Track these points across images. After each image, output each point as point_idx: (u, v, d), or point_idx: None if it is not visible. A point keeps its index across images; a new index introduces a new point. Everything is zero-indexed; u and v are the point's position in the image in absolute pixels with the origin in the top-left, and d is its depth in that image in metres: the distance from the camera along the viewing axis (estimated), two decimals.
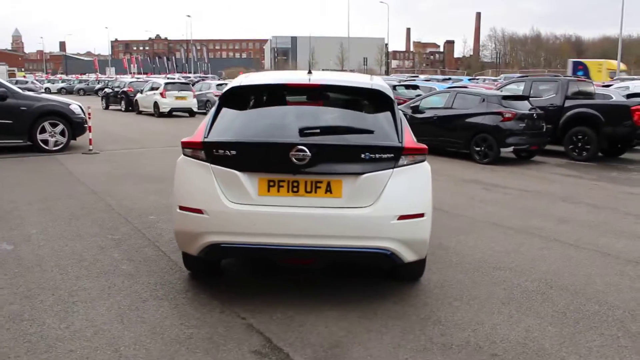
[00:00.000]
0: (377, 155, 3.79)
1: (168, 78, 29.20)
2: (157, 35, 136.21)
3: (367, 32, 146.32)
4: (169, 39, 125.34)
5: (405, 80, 22.46)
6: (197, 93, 22.39)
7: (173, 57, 78.69)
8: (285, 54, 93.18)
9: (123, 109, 24.67)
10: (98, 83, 44.63)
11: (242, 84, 4.23)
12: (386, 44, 77.54)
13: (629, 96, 13.24)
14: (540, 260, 5.09)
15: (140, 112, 22.94)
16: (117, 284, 4.31)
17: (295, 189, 3.79)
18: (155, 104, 21.35)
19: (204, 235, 3.83)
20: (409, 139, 3.95)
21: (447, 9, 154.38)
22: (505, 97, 11.40)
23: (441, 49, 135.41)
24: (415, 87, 17.83)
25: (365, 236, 3.77)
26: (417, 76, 40.86)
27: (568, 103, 11.90)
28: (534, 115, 11.18)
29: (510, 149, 11.26)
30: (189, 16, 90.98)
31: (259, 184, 3.79)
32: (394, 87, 14.53)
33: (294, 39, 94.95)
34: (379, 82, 4.32)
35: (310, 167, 3.72)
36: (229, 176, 3.80)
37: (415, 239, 3.88)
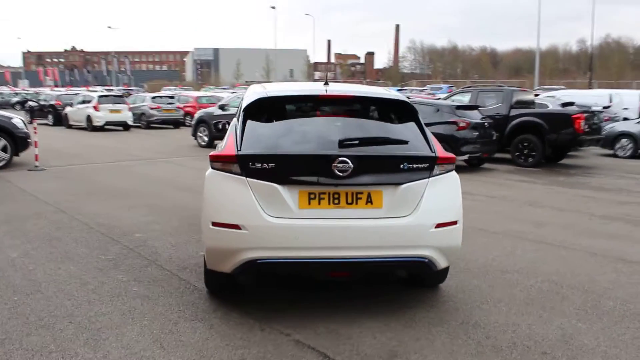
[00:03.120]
0: (415, 165, 3.84)
1: (107, 90, 27.88)
2: (73, 47, 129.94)
3: (291, 44, 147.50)
4: (85, 50, 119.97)
5: None
6: (132, 106, 21.58)
7: (93, 70, 75.24)
8: (208, 66, 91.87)
9: (51, 123, 23.28)
10: (15, 96, 41.76)
11: (268, 95, 4.14)
12: (309, 56, 78.70)
13: (564, 105, 14.17)
14: (540, 262, 5.33)
15: (70, 126, 21.74)
16: (136, 307, 4.07)
17: (336, 201, 3.75)
18: (88, 118, 20.33)
19: (242, 251, 3.70)
20: (440, 149, 4.03)
21: (365, 21, 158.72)
22: (458, 107, 11.87)
23: (361, 60, 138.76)
24: None
25: (406, 245, 3.80)
26: None
27: (513, 112, 12.58)
28: (485, 124, 11.72)
29: (465, 157, 11.72)
30: (109, 27, 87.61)
31: (299, 196, 3.72)
32: None
33: (216, 51, 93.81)
34: (397, 94, 4.39)
35: (351, 178, 3.71)
36: (268, 190, 3.70)
37: (450, 246, 3.95)
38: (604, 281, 4.80)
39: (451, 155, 4.05)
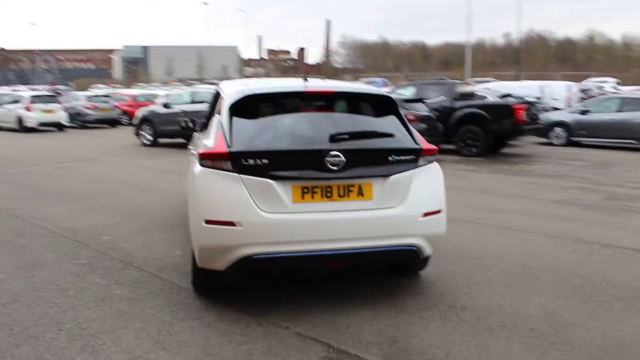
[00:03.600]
0: (402, 157, 3.97)
1: (39, 90, 26.38)
2: None
3: (223, 40, 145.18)
4: (5, 49, 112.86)
5: None
6: (66, 105, 20.61)
7: (17, 68, 70.76)
8: (137, 64, 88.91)
9: None
10: None
11: (255, 92, 4.14)
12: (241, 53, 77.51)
13: (503, 96, 14.85)
14: (507, 246, 5.62)
15: None
16: (124, 310, 3.97)
17: (329, 194, 3.82)
18: (19, 119, 19.25)
19: (238, 248, 3.70)
20: (422, 141, 4.18)
21: (294, 16, 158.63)
22: (406, 100, 12.19)
23: (293, 56, 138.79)
24: None
25: (396, 235, 3.92)
26: None
27: (457, 104, 13.06)
28: (432, 116, 12.11)
29: None
30: (31, 24, 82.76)
31: (293, 191, 3.76)
32: None
33: (145, 48, 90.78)
34: (377, 89, 4.51)
35: (343, 171, 3.78)
36: (262, 186, 3.71)
37: (436, 233, 4.11)
38: (568, 261, 5.13)
39: (434, 147, 4.20)
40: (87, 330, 3.63)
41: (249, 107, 4.10)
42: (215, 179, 3.78)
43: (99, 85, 49.61)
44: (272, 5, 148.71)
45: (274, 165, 3.73)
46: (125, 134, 18.85)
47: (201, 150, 3.93)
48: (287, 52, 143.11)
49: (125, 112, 22.75)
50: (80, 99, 21.99)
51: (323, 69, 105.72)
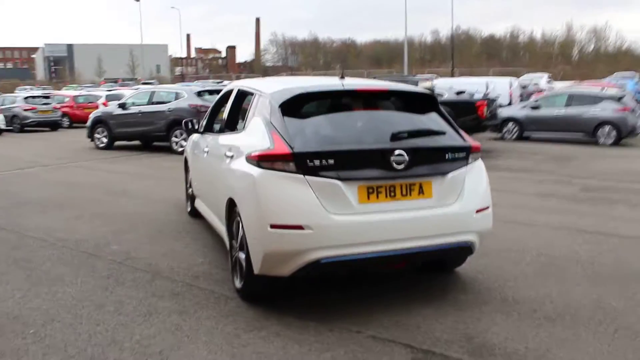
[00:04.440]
0: (456, 155, 4.02)
1: None
2: None
3: (153, 39, 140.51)
4: None
5: (210, 86, 21.59)
6: (1, 108, 19.32)
7: None
8: (61, 63, 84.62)
9: None
10: None
11: (307, 90, 4.04)
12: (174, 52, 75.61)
13: (457, 93, 15.27)
14: (521, 239, 5.79)
15: None
16: (180, 324, 3.77)
17: (392, 194, 3.80)
18: None
19: (307, 252, 3.61)
20: (469, 138, 4.24)
21: (222, 14, 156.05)
22: None
23: (223, 55, 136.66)
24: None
25: (455, 232, 3.96)
26: (221, 81, 40.72)
27: None
28: None
29: None
30: None
31: (358, 191, 3.71)
32: (198, 93, 13.56)
33: (70, 47, 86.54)
34: (419, 88, 4.52)
35: (406, 170, 3.78)
36: (329, 187, 3.64)
37: (487, 229, 4.19)
38: (583, 251, 5.36)
39: (479, 143, 4.27)
40: (152, 348, 3.42)
41: (300, 106, 4.00)
42: (279, 181, 3.66)
43: (25, 87, 46.82)
44: (198, 3, 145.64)
45: (340, 165, 3.67)
46: (72, 137, 17.98)
47: (258, 152, 3.78)
48: (217, 51, 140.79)
49: (66, 114, 21.62)
50: (17, 100, 20.65)
51: (254, 67, 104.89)
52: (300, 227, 3.59)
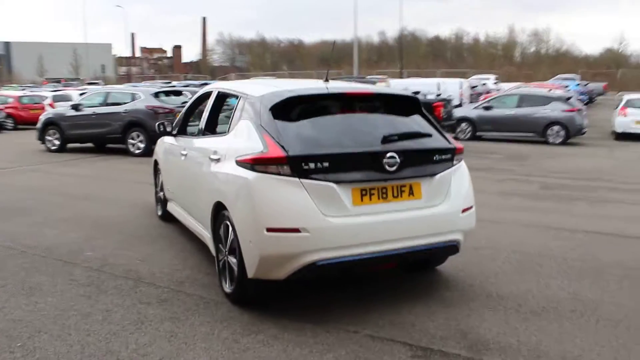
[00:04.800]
0: (443, 157, 4.13)
1: None
2: None
3: (98, 38, 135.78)
4: None
5: (165, 87, 21.05)
6: None
7: None
8: None
9: None
10: None
11: (298, 93, 4.05)
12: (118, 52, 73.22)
13: (414, 93, 15.58)
14: (493, 237, 5.98)
15: None
16: (174, 331, 3.70)
17: (384, 195, 3.87)
18: None
19: (303, 255, 3.63)
20: (452, 139, 4.36)
21: (168, 14, 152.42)
22: None
23: (169, 54, 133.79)
24: (179, 92, 15.20)
25: (444, 231, 4.08)
26: (170, 82, 39.89)
27: None
28: None
29: None
30: None
31: (352, 194, 3.76)
32: (156, 94, 13.16)
33: (7, 45, 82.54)
34: (404, 91, 4.61)
35: (397, 172, 3.86)
36: (324, 189, 3.67)
37: (471, 228, 4.32)
38: (555, 247, 5.61)
39: (462, 145, 4.40)
40: (150, 357, 3.35)
41: (290, 109, 4.01)
42: (274, 184, 3.66)
43: None
44: (142, 2, 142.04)
45: (334, 168, 3.71)
46: (20, 139, 17.25)
47: (252, 156, 3.76)
48: (163, 51, 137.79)
49: (10, 116, 20.68)
50: None
51: (201, 68, 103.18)
52: (296, 230, 3.60)
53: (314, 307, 4.08)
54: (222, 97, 5.14)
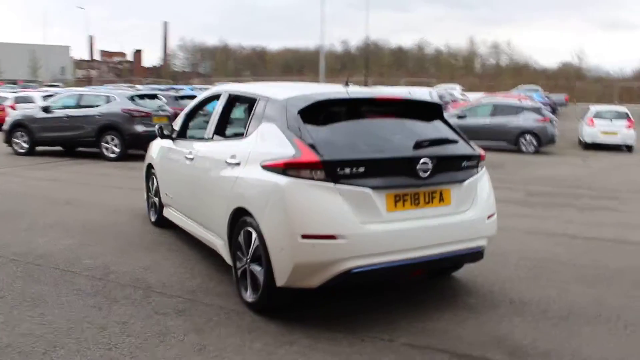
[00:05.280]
0: (470, 163, 4.10)
1: None
2: None
3: (56, 40, 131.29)
4: None
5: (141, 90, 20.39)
6: None
7: None
8: None
9: None
10: None
11: (328, 97, 3.95)
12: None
13: None
14: (501, 244, 5.73)
15: None
16: (202, 343, 3.51)
17: (417, 201, 3.80)
18: None
19: (339, 262, 3.51)
20: (476, 146, 4.33)
21: (128, 17, 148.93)
22: None
23: (129, 58, 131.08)
24: (154, 96, 14.70)
25: (472, 237, 4.04)
26: (133, 86, 38.95)
27: None
28: None
29: None
30: None
31: (386, 199, 3.67)
32: (131, 98, 12.75)
33: None
34: (427, 97, 4.56)
35: (430, 178, 3.80)
36: (360, 195, 3.57)
37: (493, 234, 4.30)
38: (561, 253, 5.67)
39: (484, 152, 4.38)
40: None
41: (319, 113, 3.90)
42: (309, 190, 3.53)
43: None
44: (102, 4, 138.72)
45: (369, 173, 3.61)
46: None
47: (284, 160, 3.62)
48: (123, 54, 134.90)
49: None
50: None
51: (162, 72, 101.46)
52: (332, 237, 3.48)
53: (339, 316, 3.96)
54: (233, 100, 4.97)
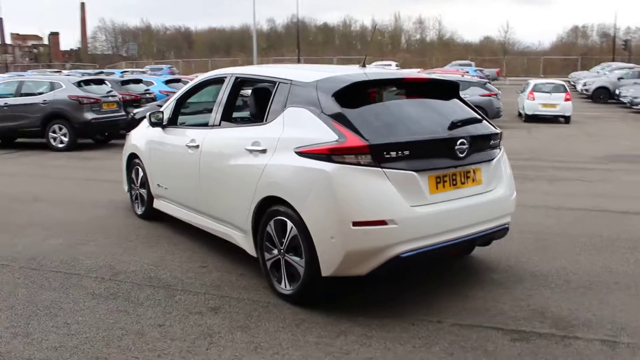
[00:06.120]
0: (495, 142, 4.16)
1: None
2: None
3: None
4: None
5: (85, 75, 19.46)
6: None
7: None
8: None
9: None
10: None
11: (363, 79, 3.84)
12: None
13: None
14: None
15: None
16: (253, 341, 3.38)
17: (454, 182, 3.82)
18: None
19: (390, 247, 3.47)
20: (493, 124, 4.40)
21: None
22: None
23: (45, 42, 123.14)
24: (101, 81, 13.56)
25: (501, 215, 4.14)
26: (59, 71, 36.67)
27: None
28: None
29: None
30: None
31: (429, 181, 3.66)
32: (78, 84, 11.97)
33: None
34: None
35: (466, 158, 3.82)
36: (407, 178, 3.53)
37: (514, 211, 4.39)
38: (552, 225, 5.93)
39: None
40: None
41: (352, 95, 3.80)
42: (357, 175, 3.45)
43: None
44: None
45: (414, 156, 3.59)
46: None
47: (328, 146, 3.50)
48: (38, 37, 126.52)
49: None
50: None
51: (81, 56, 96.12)
52: (384, 223, 3.43)
53: (374, 302, 3.94)
54: (240, 84, 4.75)
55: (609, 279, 4.34)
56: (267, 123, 4.13)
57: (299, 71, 4.27)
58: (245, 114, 5.37)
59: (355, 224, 3.41)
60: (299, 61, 47.73)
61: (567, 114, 16.97)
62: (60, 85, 11.76)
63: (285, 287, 3.91)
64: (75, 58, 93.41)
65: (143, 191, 6.04)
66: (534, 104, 17.03)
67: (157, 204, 5.82)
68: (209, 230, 4.91)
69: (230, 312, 3.77)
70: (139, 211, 6.17)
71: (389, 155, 3.50)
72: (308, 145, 3.64)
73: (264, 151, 4.00)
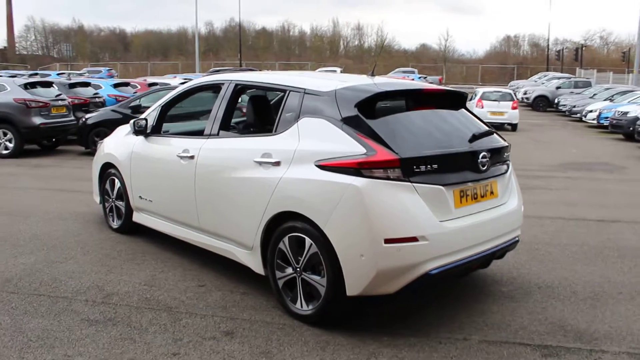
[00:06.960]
0: (508, 154, 4.15)
1: None
2: None
3: None
4: None
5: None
6: None
7: None
8: None
9: None
10: None
11: (383, 89, 3.70)
12: None
13: None
14: None
15: None
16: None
17: (475, 196, 3.77)
18: None
19: (421, 265, 3.37)
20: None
21: None
22: None
23: None
24: (49, 84, 12.62)
25: (515, 227, 4.15)
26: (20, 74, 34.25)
27: None
28: None
29: None
30: None
31: (454, 195, 3.58)
32: (25, 86, 11.08)
33: None
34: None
35: (486, 172, 3.78)
36: (435, 193, 3.45)
37: (522, 223, 4.40)
38: (539, 234, 6.00)
39: None
40: None
41: (374, 106, 3.67)
42: (387, 190, 3.33)
43: None
44: None
45: (441, 170, 3.50)
46: None
47: (358, 159, 3.35)
48: None
49: None
50: None
51: (8, 56, 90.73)
52: (415, 239, 3.32)
53: (394, 320, 3.82)
54: (240, 91, 4.52)
55: (612, 289, 4.42)
56: (277, 134, 3.93)
57: (310, 79, 4.10)
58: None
59: (387, 241, 3.28)
60: (240, 65, 47.06)
61: (514, 122, 17.59)
62: (5, 88, 10.93)
63: (302, 307, 3.72)
64: (2, 58, 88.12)
65: (120, 203, 5.64)
66: (482, 112, 17.52)
67: (138, 218, 5.45)
68: (202, 246, 4.63)
69: (247, 337, 3.54)
70: (115, 225, 5.77)
71: (418, 169, 3.40)
72: (332, 158, 3.47)
73: (277, 164, 3.79)
